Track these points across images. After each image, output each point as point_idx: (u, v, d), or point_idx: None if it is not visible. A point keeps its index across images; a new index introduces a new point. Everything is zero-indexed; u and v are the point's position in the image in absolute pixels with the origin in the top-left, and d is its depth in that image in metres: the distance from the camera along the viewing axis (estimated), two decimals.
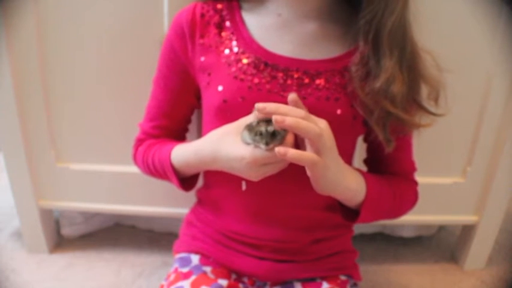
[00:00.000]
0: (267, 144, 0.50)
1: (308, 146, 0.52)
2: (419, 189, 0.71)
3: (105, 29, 0.84)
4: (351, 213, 0.64)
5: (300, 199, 0.64)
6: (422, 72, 0.61)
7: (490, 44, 0.86)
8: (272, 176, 0.55)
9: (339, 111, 0.59)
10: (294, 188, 0.62)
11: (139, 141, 0.72)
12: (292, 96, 0.53)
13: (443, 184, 0.98)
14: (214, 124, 0.60)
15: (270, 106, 0.49)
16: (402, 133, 0.63)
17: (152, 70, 0.71)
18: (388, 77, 0.56)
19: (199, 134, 0.63)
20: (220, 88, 0.60)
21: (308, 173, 0.53)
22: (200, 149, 0.60)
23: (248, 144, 0.52)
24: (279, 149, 0.47)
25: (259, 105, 0.49)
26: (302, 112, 0.50)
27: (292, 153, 0.48)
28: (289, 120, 0.47)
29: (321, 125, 0.51)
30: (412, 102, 0.61)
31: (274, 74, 0.60)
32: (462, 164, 0.98)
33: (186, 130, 0.75)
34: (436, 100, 0.62)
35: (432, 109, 0.62)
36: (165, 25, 0.82)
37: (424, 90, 0.62)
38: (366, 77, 0.58)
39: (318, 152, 0.50)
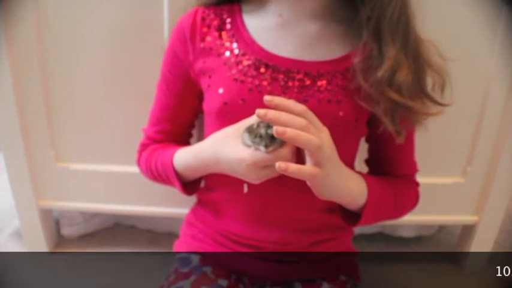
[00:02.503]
0: (266, 146, 0.50)
1: (307, 156, 0.51)
2: (420, 189, 0.71)
3: (105, 30, 0.84)
4: (351, 216, 0.63)
5: (301, 201, 0.64)
6: (428, 60, 0.60)
7: (490, 44, 0.86)
8: (273, 178, 0.55)
9: (341, 113, 0.59)
10: (294, 191, 0.62)
11: (143, 146, 0.72)
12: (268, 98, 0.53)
13: (443, 184, 0.98)
14: (216, 126, 0.60)
15: (271, 113, 0.48)
16: (410, 126, 0.62)
17: (151, 71, 0.71)
18: (392, 64, 0.56)
19: (201, 139, 0.63)
20: (220, 90, 0.60)
21: (308, 183, 0.52)
22: (201, 151, 0.60)
23: (248, 146, 0.52)
24: (280, 165, 0.47)
25: (260, 112, 0.48)
26: (303, 121, 0.49)
27: (293, 168, 0.47)
28: (289, 133, 0.47)
29: (321, 134, 0.51)
30: (419, 92, 0.60)
31: (275, 76, 0.59)
32: (462, 164, 0.98)
33: (190, 135, 0.75)
34: (442, 89, 0.61)
35: (438, 99, 0.61)
36: (166, 30, 0.83)
37: (429, 82, 0.61)
38: (369, 68, 0.58)
39: (317, 162, 0.50)
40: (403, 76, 0.56)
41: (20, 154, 0.93)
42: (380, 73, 0.56)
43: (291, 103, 0.50)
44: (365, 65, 0.58)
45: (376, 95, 0.57)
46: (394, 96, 0.56)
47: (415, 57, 0.58)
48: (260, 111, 0.48)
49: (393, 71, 0.56)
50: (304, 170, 0.49)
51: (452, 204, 1.02)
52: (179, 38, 0.65)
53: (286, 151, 0.51)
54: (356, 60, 0.58)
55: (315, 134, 0.49)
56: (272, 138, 0.50)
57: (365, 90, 0.58)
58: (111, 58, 0.87)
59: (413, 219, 1.01)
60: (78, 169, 0.96)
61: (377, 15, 0.56)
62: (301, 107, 0.50)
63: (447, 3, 0.83)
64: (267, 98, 0.49)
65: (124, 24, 0.84)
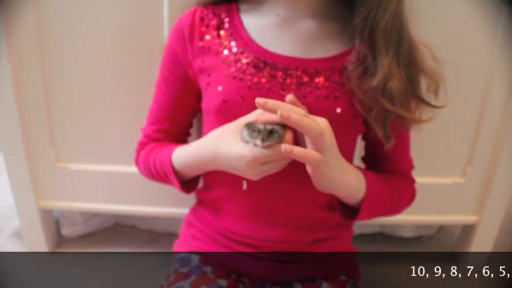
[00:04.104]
0: (262, 140, 0.50)
1: (309, 144, 0.52)
2: (419, 188, 0.71)
3: (105, 30, 0.84)
4: (350, 212, 0.64)
5: (301, 198, 0.64)
6: (421, 65, 0.61)
7: (490, 44, 0.86)
8: (272, 175, 0.55)
9: (338, 110, 0.59)
10: (294, 188, 0.62)
11: (142, 145, 0.72)
12: (290, 97, 0.54)
13: (443, 184, 0.98)
14: (215, 124, 0.61)
15: (271, 102, 0.49)
16: (403, 128, 0.63)
17: (151, 71, 0.71)
18: (384, 74, 0.56)
19: (200, 138, 0.63)
20: (219, 88, 0.60)
21: (309, 170, 0.53)
22: (199, 149, 0.61)
23: (247, 142, 0.52)
24: (285, 147, 0.48)
25: (259, 100, 0.49)
26: (302, 111, 0.51)
27: (298, 151, 0.49)
28: (293, 117, 0.48)
29: (321, 124, 0.51)
30: (412, 96, 0.61)
31: (273, 73, 0.60)
32: (462, 164, 0.98)
33: (188, 134, 0.75)
34: (436, 92, 0.62)
35: (432, 102, 0.62)
36: (165, 29, 0.83)
37: (423, 84, 0.62)
38: (363, 75, 0.58)
39: (319, 150, 0.51)
40: (395, 85, 0.56)
41: (20, 154, 0.93)
42: (374, 82, 0.57)
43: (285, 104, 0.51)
44: (359, 72, 0.58)
45: (368, 102, 0.58)
46: (387, 104, 0.57)
47: (409, 64, 0.59)
48: (260, 99, 0.49)
49: (386, 81, 0.56)
50: (309, 154, 0.50)
51: (452, 204, 1.02)
52: (178, 38, 0.65)
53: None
54: (350, 67, 0.59)
55: (320, 123, 0.50)
56: (269, 133, 0.50)
57: (359, 96, 0.58)
58: (111, 58, 0.87)
59: (413, 219, 1.01)
60: (78, 169, 0.96)
61: (371, 22, 0.57)
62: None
63: (447, 3, 0.83)
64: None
65: (124, 24, 0.84)
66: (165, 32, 0.83)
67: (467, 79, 0.88)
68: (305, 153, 0.49)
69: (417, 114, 0.61)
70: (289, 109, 0.50)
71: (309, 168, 0.53)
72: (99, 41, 0.85)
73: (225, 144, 0.56)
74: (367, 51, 0.58)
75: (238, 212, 0.66)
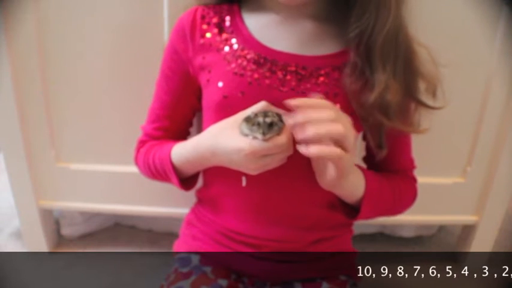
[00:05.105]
0: (263, 134, 0.51)
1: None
2: (419, 188, 0.71)
3: (106, 30, 0.84)
4: (351, 211, 0.64)
5: (301, 196, 0.64)
6: (419, 69, 0.61)
7: (490, 44, 0.86)
8: (272, 171, 0.55)
9: (338, 106, 0.59)
10: (294, 185, 0.62)
11: (141, 143, 0.73)
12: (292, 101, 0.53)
13: (443, 184, 0.98)
14: (214, 121, 0.61)
15: (300, 118, 0.48)
16: (399, 136, 0.63)
17: (151, 71, 0.71)
18: (382, 89, 0.56)
19: None
20: (220, 84, 0.61)
21: (332, 171, 0.53)
22: (199, 144, 0.61)
23: (246, 135, 0.53)
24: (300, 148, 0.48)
25: (289, 121, 0.49)
26: (332, 114, 0.49)
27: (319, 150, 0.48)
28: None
29: (348, 125, 0.51)
30: (411, 100, 0.61)
31: (273, 69, 0.60)
32: (462, 164, 0.98)
33: (187, 132, 0.76)
34: (433, 94, 0.62)
35: (431, 103, 0.62)
36: (166, 29, 0.83)
37: (422, 85, 0.62)
38: (359, 89, 0.58)
39: (345, 148, 0.50)
40: (391, 97, 0.56)
41: (20, 154, 0.93)
42: (371, 98, 0.57)
43: (313, 101, 0.51)
44: (357, 86, 0.58)
45: (365, 115, 0.58)
46: (383, 119, 0.57)
47: (406, 72, 0.59)
48: (289, 120, 0.49)
49: (382, 96, 0.56)
50: (328, 151, 0.49)
51: (452, 204, 1.02)
52: (179, 35, 0.66)
53: (284, 139, 0.52)
54: (348, 81, 0.58)
55: (345, 124, 0.50)
56: (269, 126, 0.51)
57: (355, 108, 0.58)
58: (111, 58, 0.87)
59: (413, 219, 1.01)
60: (78, 169, 0.96)
61: (367, 38, 0.57)
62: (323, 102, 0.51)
63: (447, 3, 0.83)
64: (289, 101, 0.49)
65: (124, 25, 0.84)
66: (165, 31, 0.83)
67: (468, 79, 0.88)
68: (327, 150, 0.48)
69: (415, 118, 0.62)
70: (318, 118, 0.48)
71: (331, 169, 0.53)
72: (99, 41, 0.85)
73: (224, 138, 0.56)
74: (365, 65, 0.58)
75: (237, 210, 0.67)
